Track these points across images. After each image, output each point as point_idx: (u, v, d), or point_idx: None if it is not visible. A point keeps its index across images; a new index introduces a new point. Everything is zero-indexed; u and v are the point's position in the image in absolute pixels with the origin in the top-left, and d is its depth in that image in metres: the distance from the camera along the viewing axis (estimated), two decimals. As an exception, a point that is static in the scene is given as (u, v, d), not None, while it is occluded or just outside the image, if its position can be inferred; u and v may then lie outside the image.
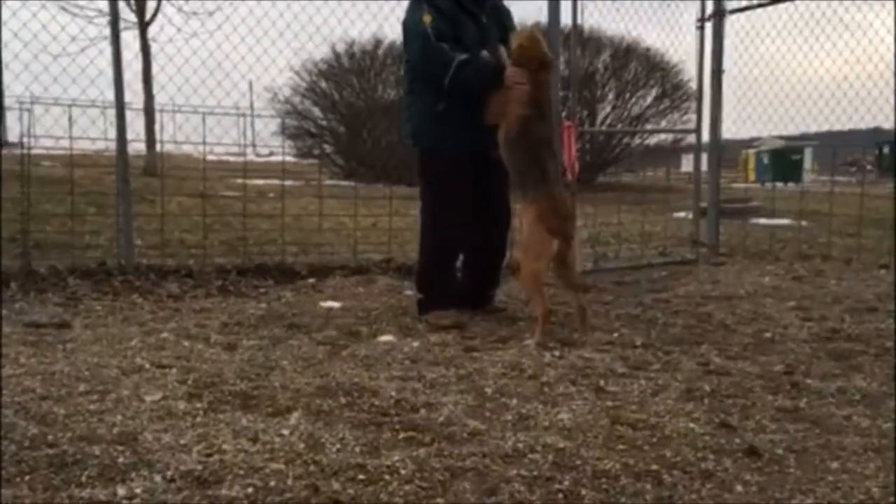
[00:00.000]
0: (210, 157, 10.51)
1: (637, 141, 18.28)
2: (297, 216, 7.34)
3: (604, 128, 17.18)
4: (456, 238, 4.58)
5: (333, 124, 17.32)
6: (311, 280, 5.75)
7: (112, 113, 5.81)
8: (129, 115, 5.68)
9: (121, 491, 2.19)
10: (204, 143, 6.38)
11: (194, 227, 6.90)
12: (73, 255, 5.66)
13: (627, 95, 17.57)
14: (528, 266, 4.16)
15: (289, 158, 16.27)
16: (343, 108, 17.01)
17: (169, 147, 12.24)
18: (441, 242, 4.57)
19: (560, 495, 2.25)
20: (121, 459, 2.41)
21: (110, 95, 5.71)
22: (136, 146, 9.08)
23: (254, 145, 15.04)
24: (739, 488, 2.31)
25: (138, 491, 2.19)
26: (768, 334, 4.20)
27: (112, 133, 5.88)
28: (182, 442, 2.57)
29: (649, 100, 17.81)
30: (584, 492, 2.27)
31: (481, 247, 4.68)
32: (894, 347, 3.86)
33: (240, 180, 8.33)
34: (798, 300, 5.10)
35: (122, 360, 3.50)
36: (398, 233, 6.75)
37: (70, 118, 6.18)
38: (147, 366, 3.43)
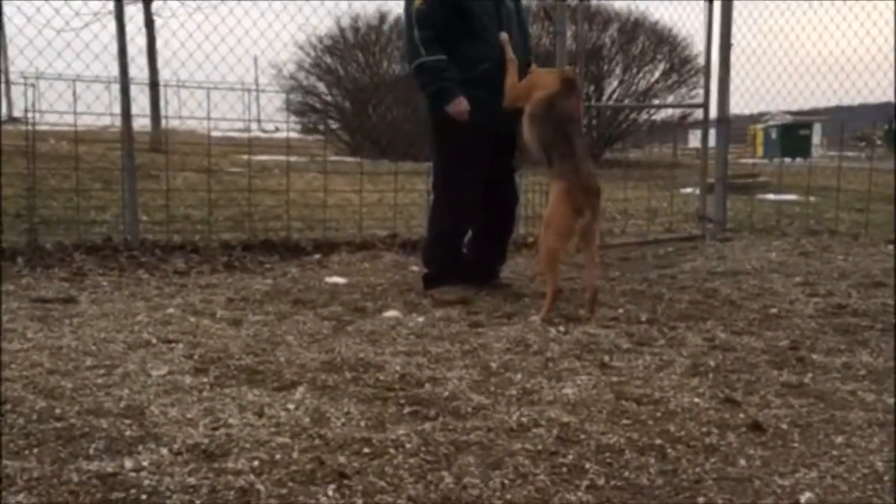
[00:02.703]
0: (215, 134, 10.49)
1: (644, 116, 18.17)
2: (303, 192, 7.34)
3: (610, 102, 17.07)
4: (468, 214, 4.57)
5: (338, 100, 17.26)
6: (317, 256, 5.76)
7: (116, 88, 5.79)
8: (133, 90, 5.66)
9: (128, 463, 2.20)
10: (209, 118, 6.36)
11: (199, 203, 6.90)
12: (78, 231, 5.68)
13: (635, 70, 17.46)
14: (547, 242, 4.11)
15: (294, 134, 16.24)
16: (348, 84, 16.94)
17: (173, 123, 12.21)
18: (452, 218, 4.56)
19: (564, 469, 2.26)
20: (128, 433, 2.43)
21: (114, 70, 5.70)
22: (141, 122, 9.07)
23: (259, 121, 14.99)
24: (743, 462, 2.32)
25: (145, 464, 2.21)
26: (774, 310, 4.19)
27: (116, 108, 5.87)
28: (188, 416, 2.58)
29: (657, 74, 17.73)
30: (588, 465, 2.28)
31: (491, 223, 4.67)
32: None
33: (245, 156, 8.32)
34: (804, 275, 5.09)
35: (128, 335, 3.52)
36: (403, 208, 6.75)
37: (74, 93, 6.17)
38: (153, 341, 3.44)
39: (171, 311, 4.02)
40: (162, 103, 12.24)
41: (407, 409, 2.70)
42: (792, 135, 23.97)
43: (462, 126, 4.37)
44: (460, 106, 4.32)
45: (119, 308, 4.05)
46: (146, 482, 2.10)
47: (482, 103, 4.36)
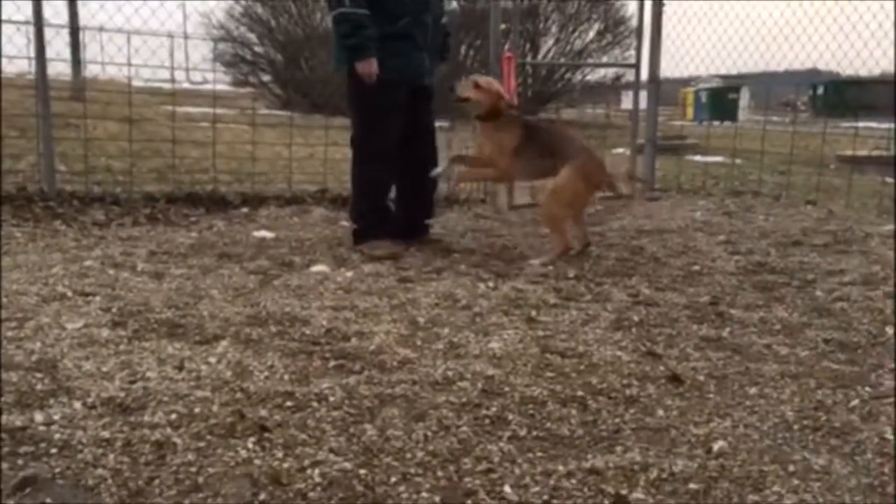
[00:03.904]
0: (139, 84, 10.09)
1: (578, 77, 18.26)
2: (231, 144, 7.15)
3: (545, 61, 17.09)
4: (387, 168, 4.52)
5: (270, 52, 16.81)
6: (244, 209, 5.64)
7: (31, 30, 5.50)
8: (48, 33, 5.37)
9: (38, 417, 2.13)
10: (129, 64, 6.10)
11: (121, 154, 6.66)
12: (-9, 180, 5.42)
13: (570, 29, 17.47)
14: (555, 209, 4.42)
15: (224, 87, 15.78)
16: (280, 36, 16.49)
17: (94, 70, 11.68)
18: (372, 172, 4.51)
19: (487, 420, 2.27)
20: (39, 386, 2.34)
21: (28, 11, 5.40)
22: (58, 68, 8.65)
23: (187, 69, 14.46)
24: (661, 412, 2.37)
25: (56, 417, 2.13)
26: (697, 267, 4.29)
27: (31, 53, 5.58)
28: (104, 369, 2.50)
29: (591, 34, 17.77)
30: (510, 417, 2.30)
31: (413, 177, 4.63)
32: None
33: (169, 107, 8.03)
34: (727, 234, 5.22)
35: (42, 288, 3.38)
36: (335, 164, 6.63)
37: (-15, 35, 5.82)
38: (69, 293, 3.32)
39: (88, 263, 3.88)
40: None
41: (332, 363, 2.68)
42: (721, 98, 24.46)
43: (378, 79, 4.33)
44: (371, 66, 4.29)
45: (33, 260, 3.89)
46: (57, 436, 2.03)
47: (399, 57, 4.34)
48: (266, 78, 17.21)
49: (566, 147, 4.44)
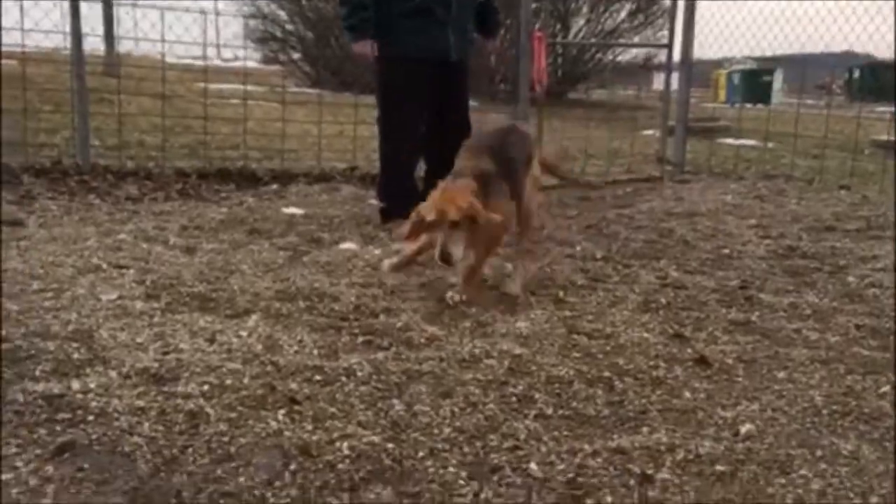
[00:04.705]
0: (172, 60, 10.16)
1: (609, 57, 18.03)
2: (261, 121, 7.19)
3: (576, 41, 16.93)
4: (410, 145, 4.54)
5: (300, 29, 16.79)
6: (274, 186, 5.68)
7: (65, 5, 5.56)
8: (82, 7, 5.43)
9: (75, 385, 2.18)
10: (163, 40, 6.14)
11: (154, 130, 6.72)
12: (27, 153, 5.50)
13: (602, 9, 17.23)
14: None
15: (255, 64, 15.83)
16: (310, 13, 16.46)
17: (128, 46, 11.75)
18: (398, 151, 4.53)
19: (514, 398, 2.29)
20: (75, 355, 2.40)
21: (63, -14, 5.45)
22: (93, 44, 8.72)
23: (218, 46, 14.49)
24: (688, 395, 2.37)
25: (93, 385, 2.18)
26: (727, 250, 4.25)
27: (66, 27, 5.64)
28: (138, 340, 2.55)
29: (623, 14, 17.51)
30: (537, 395, 2.31)
31: (441, 156, 4.62)
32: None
33: (201, 84, 8.09)
34: (758, 218, 5.16)
35: (77, 260, 3.44)
36: (365, 141, 6.64)
37: (21, 10, 5.90)
38: (104, 266, 3.38)
39: (122, 236, 3.94)
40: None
41: (360, 339, 2.71)
42: (754, 80, 24.08)
43: (400, 56, 4.37)
44: (362, 48, 4.39)
45: (68, 232, 3.96)
46: (93, 403, 2.08)
47: (416, 34, 4.37)
48: (296, 55, 17.20)
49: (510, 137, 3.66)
